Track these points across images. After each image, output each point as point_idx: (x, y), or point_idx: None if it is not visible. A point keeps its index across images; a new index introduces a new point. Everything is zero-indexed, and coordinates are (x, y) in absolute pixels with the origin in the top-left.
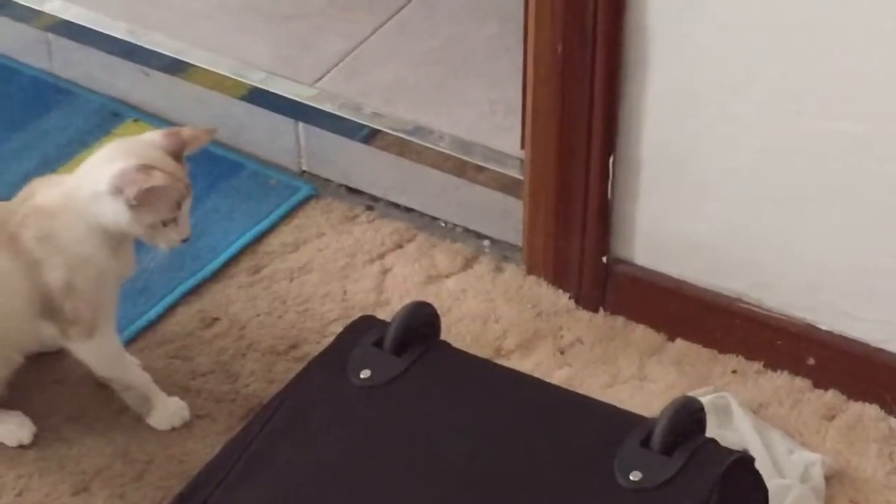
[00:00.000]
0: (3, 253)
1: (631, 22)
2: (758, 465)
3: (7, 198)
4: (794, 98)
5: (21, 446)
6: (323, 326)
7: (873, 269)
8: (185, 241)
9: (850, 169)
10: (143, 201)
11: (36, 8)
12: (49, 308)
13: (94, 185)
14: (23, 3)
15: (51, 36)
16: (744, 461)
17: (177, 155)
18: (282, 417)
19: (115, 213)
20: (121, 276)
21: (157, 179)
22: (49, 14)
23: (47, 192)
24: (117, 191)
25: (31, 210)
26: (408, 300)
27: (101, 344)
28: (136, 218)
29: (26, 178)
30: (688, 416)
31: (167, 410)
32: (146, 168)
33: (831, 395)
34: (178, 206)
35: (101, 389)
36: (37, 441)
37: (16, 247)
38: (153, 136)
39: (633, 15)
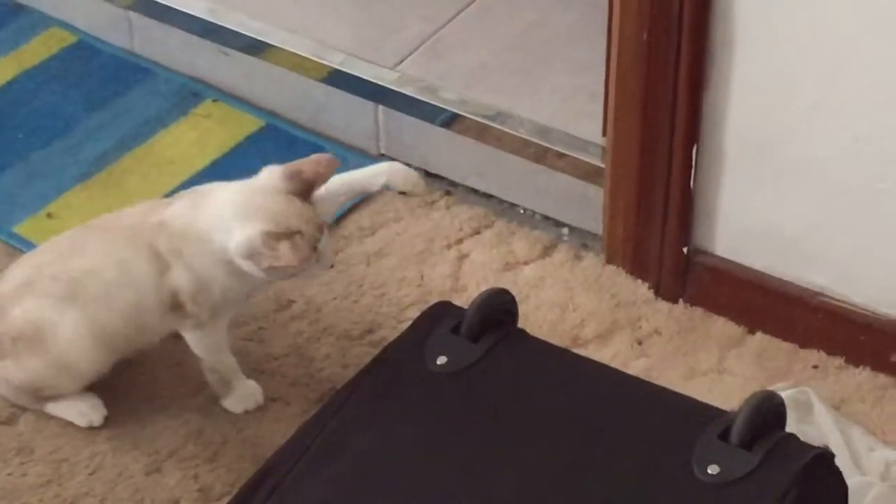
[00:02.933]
0: (143, 255)
1: (718, 7)
2: (838, 461)
3: (86, 174)
4: (888, 85)
5: (92, 427)
6: (399, 311)
7: None
8: (330, 267)
9: None
10: (275, 269)
11: None
12: (174, 303)
13: (224, 237)
14: None
15: (132, 14)
16: (824, 457)
17: (304, 195)
18: (357, 402)
19: (248, 268)
20: (252, 290)
21: (285, 258)
22: None
23: (182, 209)
24: (249, 257)
25: (165, 224)
26: (485, 287)
27: (210, 334)
28: (272, 276)
29: (104, 157)
30: (768, 411)
31: (242, 392)
32: (275, 239)
33: None
34: (315, 248)
35: (177, 370)
36: (111, 420)
37: (152, 250)
38: (276, 181)
39: (720, 0)
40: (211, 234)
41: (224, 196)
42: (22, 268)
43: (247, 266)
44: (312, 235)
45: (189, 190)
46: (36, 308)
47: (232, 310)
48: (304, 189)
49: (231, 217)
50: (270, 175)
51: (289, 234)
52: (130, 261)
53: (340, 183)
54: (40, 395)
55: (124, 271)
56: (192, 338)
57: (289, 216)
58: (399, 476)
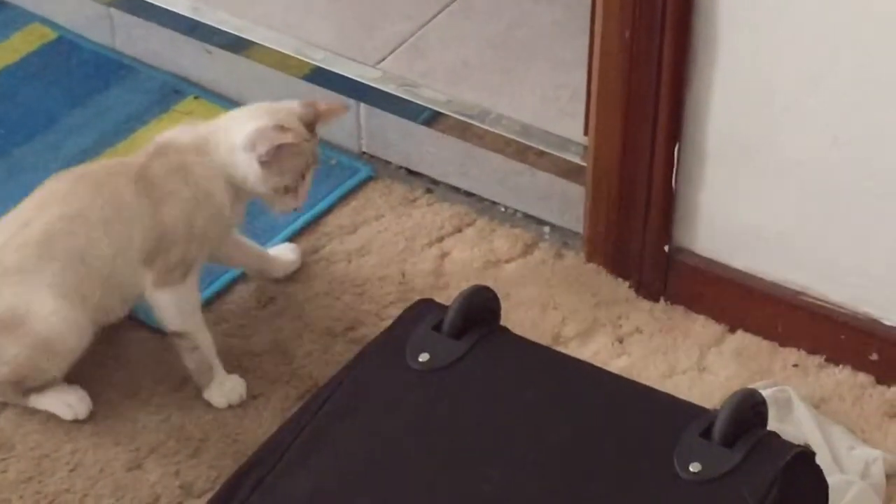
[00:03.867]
0: (130, 188)
1: (701, 7)
2: (818, 460)
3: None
4: (868, 87)
5: (76, 420)
6: (380, 309)
7: None
8: (296, 209)
9: None
10: (273, 159)
11: None
12: (154, 252)
13: (231, 139)
14: None
15: (113, 11)
16: (805, 455)
17: (310, 125)
18: (339, 399)
19: (246, 168)
20: (229, 227)
21: (289, 138)
22: None
23: (179, 133)
24: (251, 146)
25: (164, 145)
26: (466, 285)
27: (186, 293)
28: (264, 176)
29: (84, 154)
30: (749, 409)
31: (225, 386)
32: (281, 128)
33: (894, 392)
34: (303, 176)
35: (158, 365)
36: (92, 416)
37: (143, 182)
38: (292, 104)
39: (703, 0)
40: (217, 140)
41: (238, 110)
42: None
43: (246, 166)
44: (307, 157)
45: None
46: (8, 293)
47: (205, 255)
48: (312, 119)
49: (245, 119)
50: (289, 102)
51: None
52: (121, 194)
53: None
54: (27, 384)
55: (115, 207)
56: (168, 301)
57: (296, 129)
58: (382, 472)
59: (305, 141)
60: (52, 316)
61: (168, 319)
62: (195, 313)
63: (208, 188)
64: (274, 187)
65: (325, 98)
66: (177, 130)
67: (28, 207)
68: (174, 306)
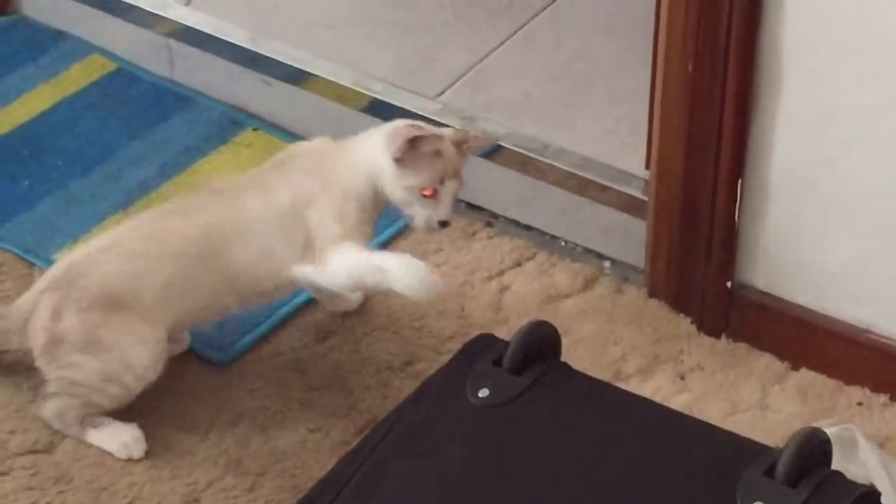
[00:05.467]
0: (285, 189)
1: (765, 41)
2: (884, 500)
3: (126, 202)
4: None
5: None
6: (439, 343)
7: None
8: (443, 224)
9: None
10: (407, 156)
11: (159, 14)
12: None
13: (370, 145)
14: (146, 8)
15: (172, 42)
16: (871, 496)
17: (457, 143)
18: (398, 435)
19: (383, 169)
20: (366, 237)
21: (424, 131)
22: (171, 20)
23: (317, 144)
24: (387, 144)
25: (301, 152)
26: (526, 319)
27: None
28: (399, 174)
29: (144, 185)
30: (814, 447)
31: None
32: (416, 125)
33: None
34: (443, 181)
35: (215, 399)
36: (149, 450)
37: (285, 181)
38: (441, 128)
39: (768, 34)
40: (357, 146)
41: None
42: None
43: (382, 167)
44: (447, 164)
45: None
46: (117, 272)
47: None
48: (460, 140)
49: (386, 125)
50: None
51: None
52: (274, 194)
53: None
54: (100, 403)
55: (270, 206)
56: (319, 274)
57: (435, 131)
58: None
59: (445, 149)
60: (141, 342)
61: (340, 283)
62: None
63: (350, 182)
64: (409, 186)
65: None
66: (314, 141)
67: (153, 217)
68: (341, 270)
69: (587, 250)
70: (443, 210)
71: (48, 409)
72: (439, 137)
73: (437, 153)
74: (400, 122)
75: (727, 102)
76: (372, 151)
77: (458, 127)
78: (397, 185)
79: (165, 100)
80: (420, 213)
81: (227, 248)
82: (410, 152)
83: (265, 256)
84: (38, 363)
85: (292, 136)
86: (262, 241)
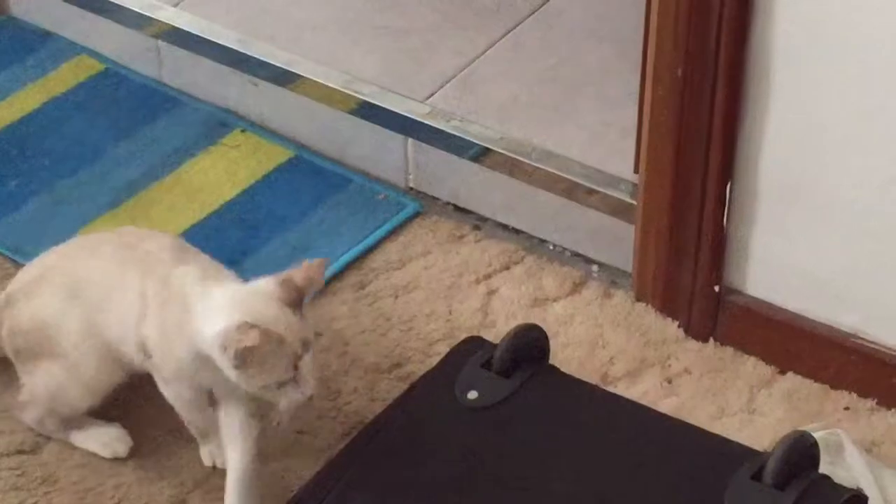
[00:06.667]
0: (135, 291)
1: (755, 45)
2: None
3: (114, 203)
4: None
5: (117, 458)
6: (427, 346)
7: None
8: (309, 398)
9: None
10: (246, 362)
11: (147, 14)
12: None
13: (208, 327)
14: (134, 9)
15: (160, 43)
16: (857, 500)
17: (294, 304)
18: (387, 436)
19: (225, 368)
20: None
21: (253, 339)
22: (160, 21)
23: (189, 276)
24: (223, 349)
25: (167, 277)
26: (514, 323)
27: (178, 390)
28: (243, 378)
29: (132, 185)
30: (801, 452)
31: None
32: (246, 327)
33: None
34: (295, 365)
35: None
36: (136, 451)
37: (143, 291)
38: (269, 286)
39: (758, 38)
40: (196, 322)
41: (220, 291)
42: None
43: (224, 366)
44: (293, 347)
45: (207, 258)
46: (43, 305)
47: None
48: (295, 298)
49: (220, 309)
50: (266, 282)
51: (270, 331)
52: (127, 289)
53: None
54: (62, 412)
55: (119, 294)
56: (161, 387)
57: (273, 319)
58: None
59: (284, 335)
60: (77, 344)
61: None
62: (193, 409)
63: (179, 362)
64: (262, 386)
65: (372, 134)
66: (185, 271)
67: (83, 245)
68: (168, 394)
69: (575, 254)
70: (306, 387)
71: (27, 416)
72: (274, 335)
73: (280, 341)
74: (232, 324)
75: (716, 107)
76: (210, 340)
77: (445, 129)
78: (247, 387)
79: (153, 101)
80: (283, 400)
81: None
82: (249, 355)
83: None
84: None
85: (279, 138)
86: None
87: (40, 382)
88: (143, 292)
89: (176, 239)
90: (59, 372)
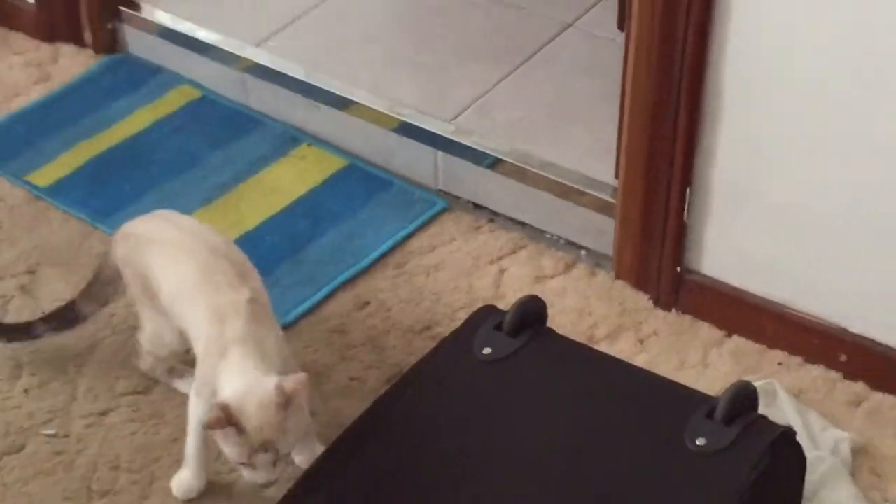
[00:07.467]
0: (210, 291)
1: (710, 82)
2: (798, 438)
3: (209, 199)
4: (833, 149)
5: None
6: (452, 312)
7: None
8: (259, 484)
9: (874, 207)
10: (212, 430)
11: (236, 53)
12: None
13: (220, 384)
14: (225, 48)
15: (246, 76)
16: (788, 434)
17: (283, 406)
18: (419, 383)
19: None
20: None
21: (214, 424)
22: (246, 58)
23: (232, 321)
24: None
25: (220, 317)
26: (520, 295)
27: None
28: (216, 440)
29: (222, 186)
30: (745, 396)
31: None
32: (218, 408)
33: (859, 386)
34: (250, 455)
35: None
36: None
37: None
38: (272, 382)
39: (712, 78)
40: (220, 371)
41: (243, 364)
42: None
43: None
44: (254, 441)
45: (259, 283)
46: (152, 261)
47: None
48: (284, 402)
49: (238, 370)
50: (274, 380)
51: (237, 420)
52: (198, 300)
53: None
54: (160, 354)
55: (190, 302)
56: None
57: (253, 412)
58: (450, 443)
59: (252, 430)
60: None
61: None
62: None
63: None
64: (229, 457)
65: (410, 147)
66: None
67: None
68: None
69: (568, 242)
70: (259, 477)
71: (142, 364)
72: (235, 424)
73: (241, 431)
74: (225, 396)
75: (679, 127)
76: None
77: (468, 144)
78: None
79: (239, 120)
80: (243, 473)
81: None
82: (211, 428)
83: None
84: None
85: (337, 150)
86: None
87: (147, 326)
88: (208, 306)
89: (241, 254)
90: (155, 316)
